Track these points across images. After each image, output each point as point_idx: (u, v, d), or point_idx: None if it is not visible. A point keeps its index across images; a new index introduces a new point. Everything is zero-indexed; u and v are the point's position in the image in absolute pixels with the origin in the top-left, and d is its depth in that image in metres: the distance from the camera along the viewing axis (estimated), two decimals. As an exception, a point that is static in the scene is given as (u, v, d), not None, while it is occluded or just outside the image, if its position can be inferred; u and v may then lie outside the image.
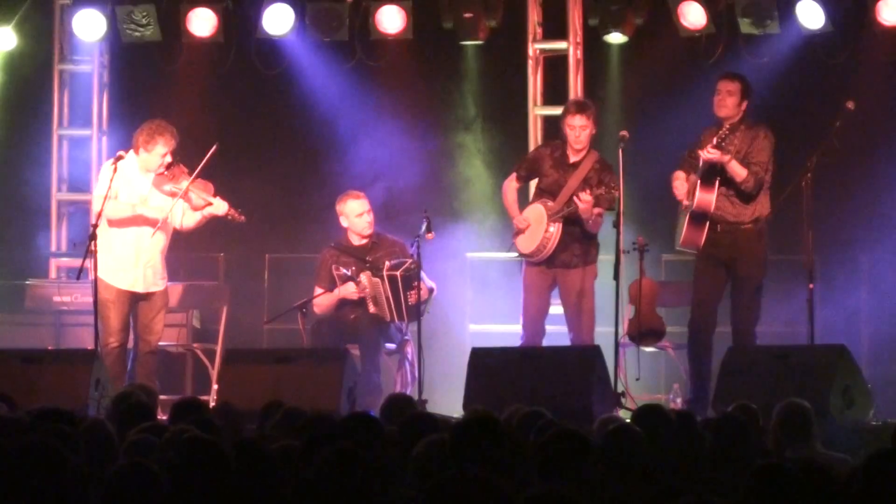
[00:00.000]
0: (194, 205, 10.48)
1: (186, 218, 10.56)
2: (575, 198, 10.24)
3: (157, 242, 10.48)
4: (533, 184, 10.91)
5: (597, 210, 10.31)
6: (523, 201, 10.83)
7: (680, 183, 10.21)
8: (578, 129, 10.44)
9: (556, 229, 10.40)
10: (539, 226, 10.43)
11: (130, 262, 10.41)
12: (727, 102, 10.11)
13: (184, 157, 10.60)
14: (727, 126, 10.03)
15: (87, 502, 4.68)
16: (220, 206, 10.47)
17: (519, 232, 10.54)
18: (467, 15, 12.29)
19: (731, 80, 10.16)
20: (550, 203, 10.44)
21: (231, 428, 6.78)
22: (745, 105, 10.13)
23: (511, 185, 10.74)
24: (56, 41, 13.24)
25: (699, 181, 10.04)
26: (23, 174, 13.36)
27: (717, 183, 10.00)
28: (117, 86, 13.43)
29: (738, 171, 9.95)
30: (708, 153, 9.92)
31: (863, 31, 11.90)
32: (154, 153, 10.41)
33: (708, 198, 10.02)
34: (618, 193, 10.17)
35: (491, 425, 5.50)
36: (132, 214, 10.38)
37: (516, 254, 10.63)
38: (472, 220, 11.90)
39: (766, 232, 10.15)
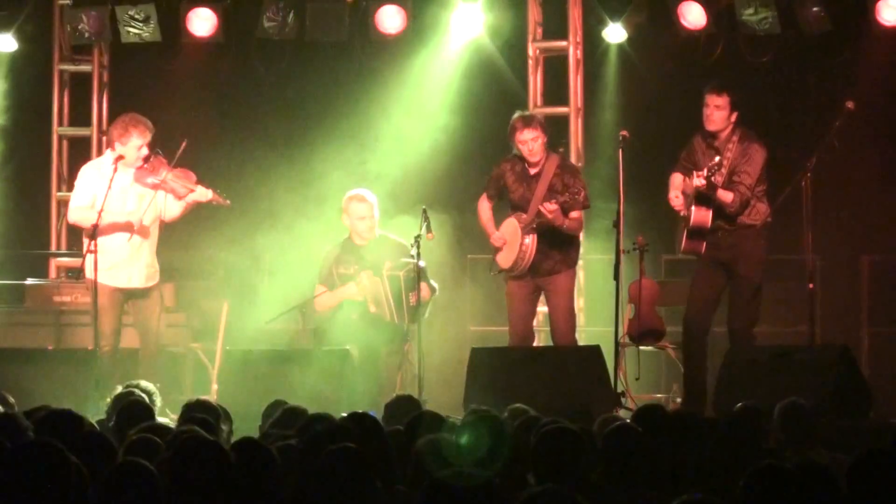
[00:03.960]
0: (178, 194, 10.48)
1: (168, 209, 10.53)
2: (541, 208, 10.21)
3: (148, 237, 10.48)
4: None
5: (574, 214, 10.29)
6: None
7: (676, 193, 10.19)
8: (530, 142, 10.39)
9: (531, 241, 10.38)
10: (515, 239, 10.43)
11: (125, 260, 10.40)
12: (716, 117, 10.09)
13: (184, 156, 10.58)
14: (716, 161, 9.95)
15: (87, 502, 4.68)
16: (203, 193, 10.46)
17: (498, 250, 10.53)
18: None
19: (718, 95, 10.09)
20: (523, 216, 10.44)
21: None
22: (734, 116, 10.10)
23: (484, 204, 10.73)
24: (56, 41, 13.24)
25: (695, 201, 10.03)
26: (23, 174, 13.37)
27: (711, 204, 10.00)
28: (117, 86, 13.44)
29: (724, 198, 9.95)
30: (696, 181, 9.92)
31: (863, 31, 11.90)
32: (130, 146, 10.39)
33: (704, 216, 10.03)
34: (581, 197, 10.13)
35: (492, 424, 5.51)
36: (96, 219, 10.30)
37: (499, 271, 10.60)
38: (472, 221, 11.87)
39: (766, 234, 10.14)
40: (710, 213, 10.00)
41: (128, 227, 10.40)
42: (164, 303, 11.25)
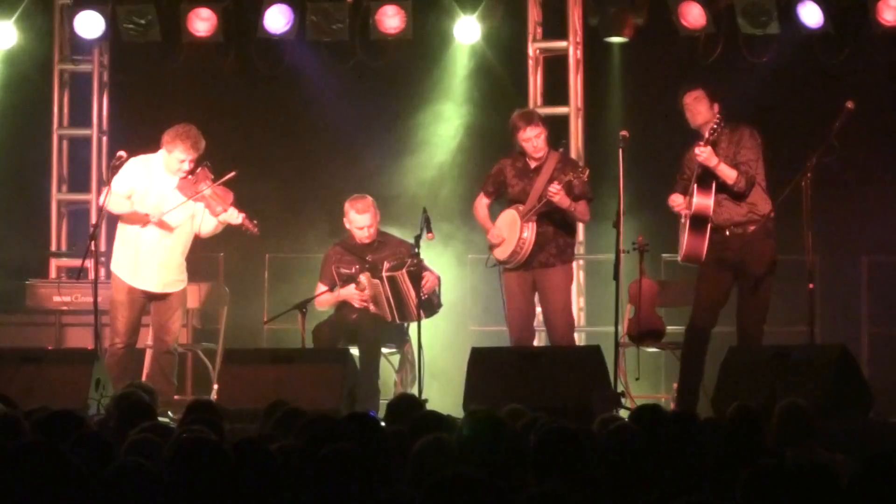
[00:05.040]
0: (213, 210, 10.52)
1: (204, 224, 10.61)
2: (548, 194, 10.19)
3: (175, 243, 10.52)
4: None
5: (580, 202, 10.29)
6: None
7: (678, 200, 10.13)
8: (534, 139, 10.41)
9: (530, 232, 10.38)
10: (514, 230, 10.42)
11: (147, 262, 10.45)
12: (697, 110, 10.03)
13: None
14: (714, 123, 9.93)
15: (87, 502, 4.68)
16: (234, 216, 10.49)
17: (495, 247, 10.53)
18: None
19: (692, 90, 10.07)
20: (521, 207, 10.43)
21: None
22: (717, 107, 10.04)
23: (481, 202, 10.74)
24: (56, 41, 13.25)
25: (696, 185, 9.98)
26: (23, 174, 13.37)
27: (713, 186, 9.95)
28: (117, 86, 13.44)
29: (728, 173, 9.90)
30: (698, 151, 9.86)
31: (863, 31, 11.90)
32: (173, 156, 10.46)
33: (706, 202, 9.96)
34: (586, 176, 10.16)
35: (492, 424, 5.51)
36: (132, 212, 10.40)
37: (494, 263, 10.60)
38: (472, 221, 11.89)
39: (772, 231, 10.09)
40: (711, 199, 9.94)
41: (161, 230, 10.44)
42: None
